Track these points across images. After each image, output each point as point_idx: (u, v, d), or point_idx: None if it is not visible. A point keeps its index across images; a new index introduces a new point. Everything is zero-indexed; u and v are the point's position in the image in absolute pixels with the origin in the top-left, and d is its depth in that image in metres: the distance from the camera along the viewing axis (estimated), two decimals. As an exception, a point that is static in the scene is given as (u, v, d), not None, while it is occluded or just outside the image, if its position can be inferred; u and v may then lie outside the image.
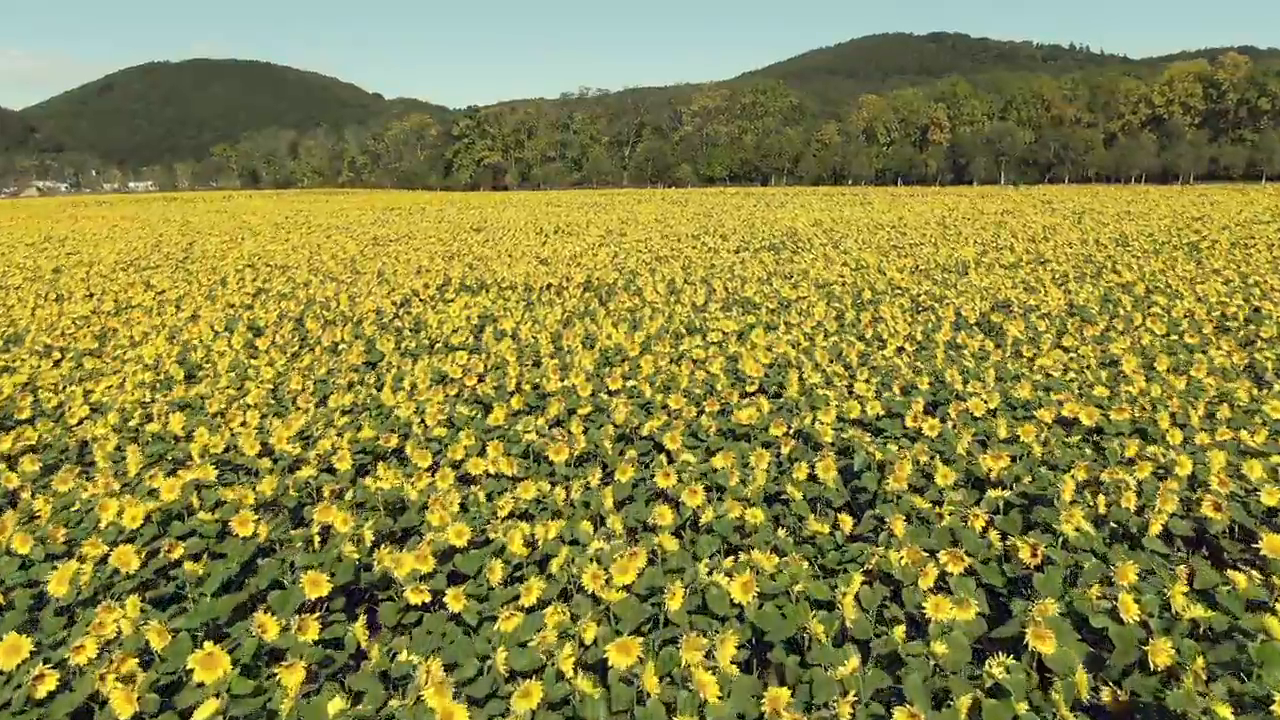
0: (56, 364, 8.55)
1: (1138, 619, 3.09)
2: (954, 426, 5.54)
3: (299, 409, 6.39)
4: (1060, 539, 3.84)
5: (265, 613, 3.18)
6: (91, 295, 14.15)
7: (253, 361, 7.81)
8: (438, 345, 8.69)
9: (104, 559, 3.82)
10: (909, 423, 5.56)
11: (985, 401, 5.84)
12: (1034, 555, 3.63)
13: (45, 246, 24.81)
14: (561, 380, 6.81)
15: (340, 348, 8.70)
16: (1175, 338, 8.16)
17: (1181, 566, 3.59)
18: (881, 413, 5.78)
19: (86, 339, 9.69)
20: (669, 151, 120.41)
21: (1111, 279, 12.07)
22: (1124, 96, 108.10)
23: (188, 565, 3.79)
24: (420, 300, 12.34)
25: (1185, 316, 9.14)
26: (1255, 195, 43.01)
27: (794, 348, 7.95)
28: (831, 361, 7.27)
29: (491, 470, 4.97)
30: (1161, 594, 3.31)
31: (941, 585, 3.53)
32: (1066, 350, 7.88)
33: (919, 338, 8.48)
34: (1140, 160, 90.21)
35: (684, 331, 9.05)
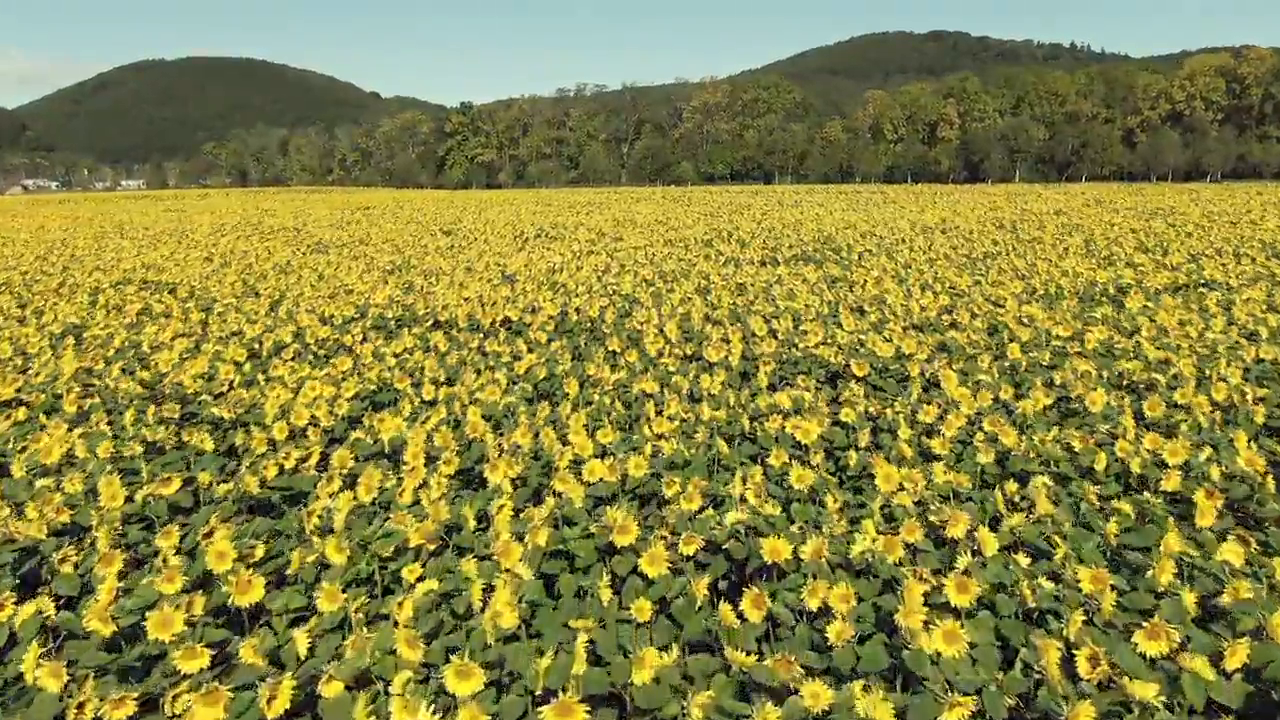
0: None
1: None
2: None
3: None
4: None
5: None
6: None
7: None
8: (235, 480, 4.32)
9: None
10: None
11: None
12: None
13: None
14: (443, 666, 2.45)
15: (37, 484, 4.33)
16: None
17: None
18: None
19: None
20: (668, 149, 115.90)
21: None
22: (1142, 91, 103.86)
23: None
24: (300, 348, 7.98)
25: None
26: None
27: (954, 501, 3.60)
28: (1085, 562, 2.87)
29: None
30: None
31: None
32: None
33: (1199, 460, 4.13)
34: (1168, 157, 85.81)
35: (724, 442, 4.68)
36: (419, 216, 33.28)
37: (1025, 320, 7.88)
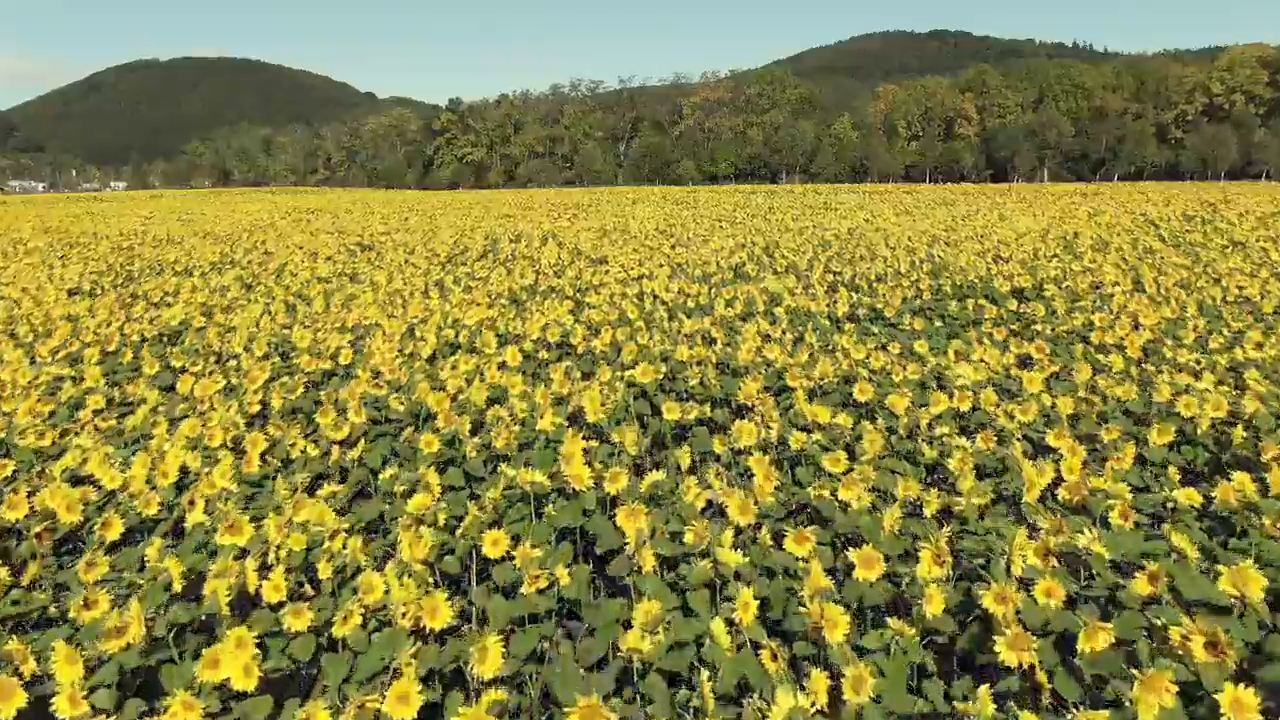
0: None
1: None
2: None
3: None
4: None
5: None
6: None
7: None
8: None
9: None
10: None
11: None
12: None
13: None
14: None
15: None
16: None
17: None
18: None
19: None
20: (668, 147, 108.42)
21: None
22: (1176, 84, 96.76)
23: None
24: None
25: None
26: None
27: None
28: None
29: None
30: None
31: None
32: None
33: None
34: (1225, 153, 78.62)
35: None
36: (347, 224, 26.07)
37: None
